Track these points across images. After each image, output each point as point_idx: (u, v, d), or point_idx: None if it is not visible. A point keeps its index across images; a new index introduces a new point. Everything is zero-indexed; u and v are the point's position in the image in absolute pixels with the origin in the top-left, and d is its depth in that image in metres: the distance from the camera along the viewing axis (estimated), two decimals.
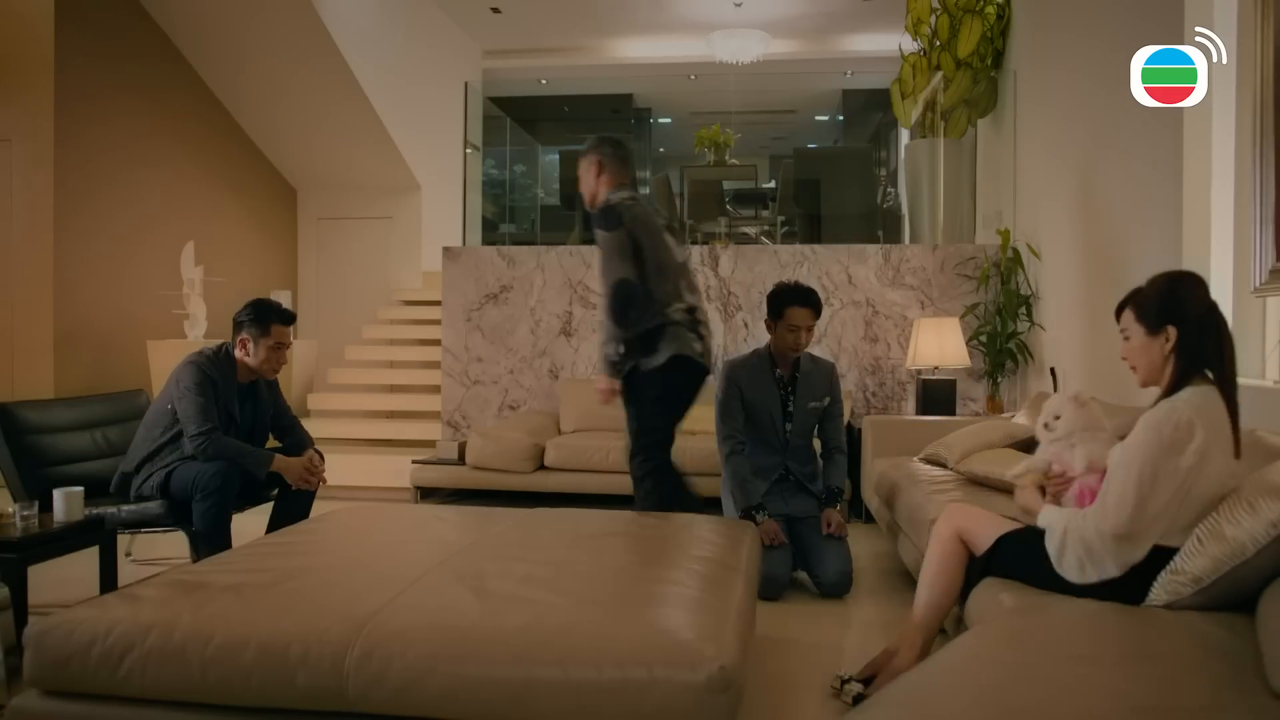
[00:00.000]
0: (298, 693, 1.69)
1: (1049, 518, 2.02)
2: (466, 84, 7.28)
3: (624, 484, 4.66)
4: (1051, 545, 1.96)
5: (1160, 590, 1.79)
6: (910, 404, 5.39)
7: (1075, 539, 1.91)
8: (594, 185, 3.34)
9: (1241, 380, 2.99)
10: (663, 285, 3.14)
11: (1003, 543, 2.09)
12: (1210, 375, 1.93)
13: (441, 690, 1.64)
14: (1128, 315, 2.08)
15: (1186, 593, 1.74)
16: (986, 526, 2.14)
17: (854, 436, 4.50)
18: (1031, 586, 2.00)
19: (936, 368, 4.88)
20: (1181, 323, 1.95)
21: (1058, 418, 2.17)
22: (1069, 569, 1.92)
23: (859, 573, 3.53)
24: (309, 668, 1.68)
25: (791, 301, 3.39)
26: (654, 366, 3.08)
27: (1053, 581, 1.96)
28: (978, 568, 2.15)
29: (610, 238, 3.11)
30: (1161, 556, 1.83)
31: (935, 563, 2.20)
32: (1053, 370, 4.60)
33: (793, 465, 3.50)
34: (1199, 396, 1.90)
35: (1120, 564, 1.86)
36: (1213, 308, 1.97)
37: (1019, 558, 2.04)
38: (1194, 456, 1.82)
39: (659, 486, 3.17)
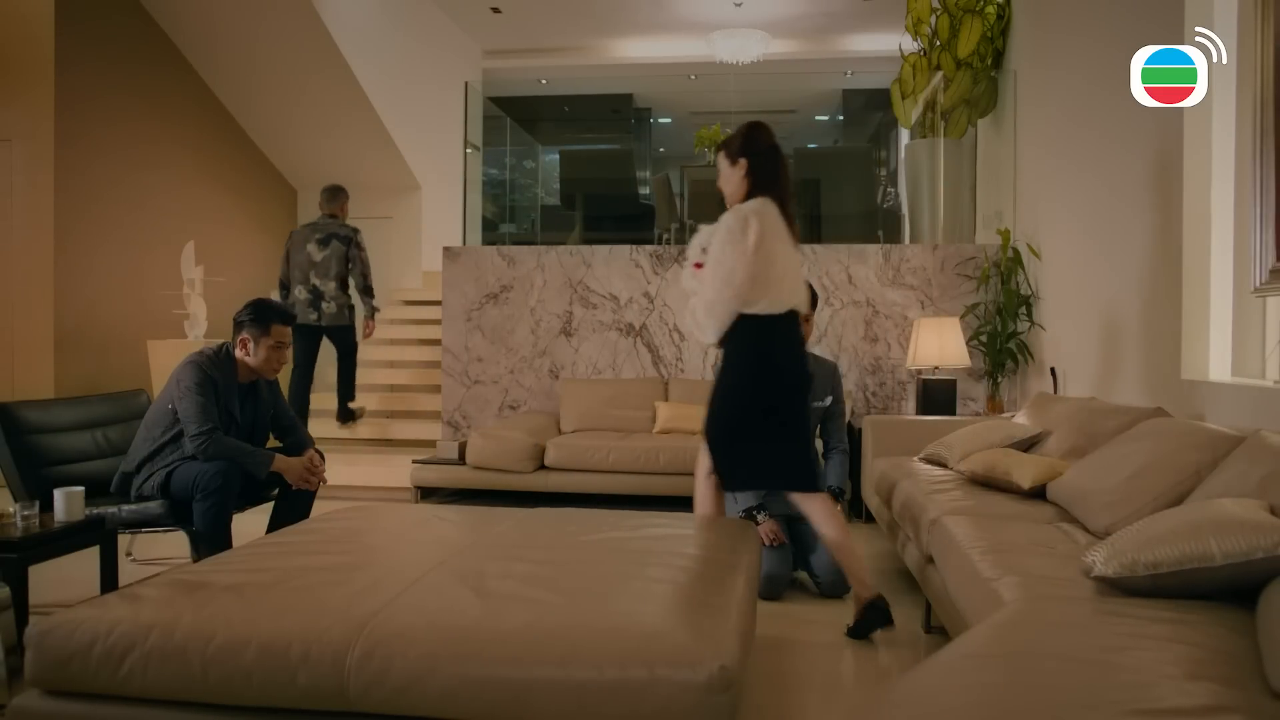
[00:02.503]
0: (299, 692, 1.69)
1: (690, 285, 2.86)
2: (466, 84, 7.28)
3: (625, 484, 4.69)
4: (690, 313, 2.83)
5: (1115, 563, 1.81)
6: (910, 404, 5.39)
7: (695, 305, 2.78)
8: None
9: (1242, 380, 3.01)
10: (295, 276, 5.53)
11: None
12: (771, 194, 2.77)
13: (442, 690, 1.64)
14: (721, 155, 2.87)
15: (1141, 574, 1.76)
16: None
17: (854, 436, 4.50)
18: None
19: (937, 368, 4.88)
20: (752, 155, 2.80)
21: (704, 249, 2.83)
22: (695, 328, 2.83)
23: None
24: (310, 667, 1.68)
25: None
26: None
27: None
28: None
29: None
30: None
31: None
32: (1053, 370, 4.60)
33: None
34: (758, 203, 2.74)
35: (718, 327, 2.74)
36: (775, 147, 2.84)
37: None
38: (754, 236, 2.66)
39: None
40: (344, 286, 5.55)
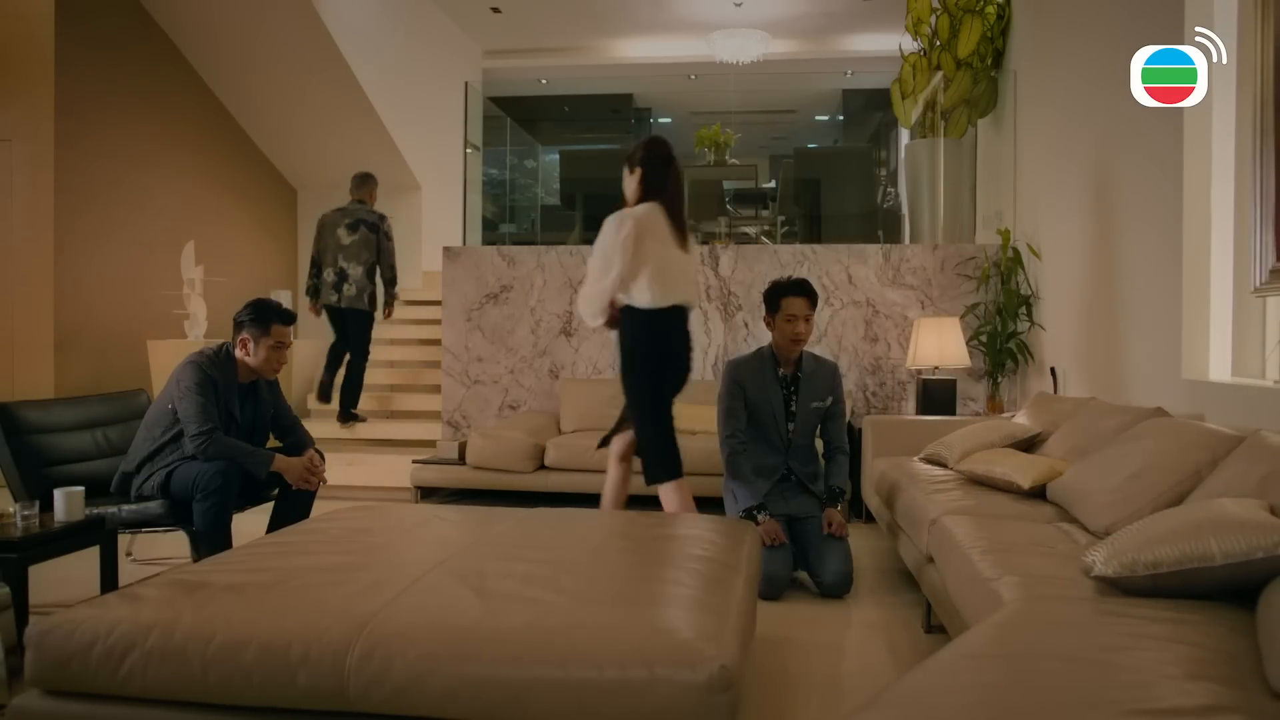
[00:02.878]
0: (299, 692, 1.69)
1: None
2: (466, 84, 7.28)
3: None
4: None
5: (1115, 563, 1.81)
6: (910, 404, 5.39)
7: (582, 293, 3.23)
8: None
9: (1242, 380, 3.01)
10: (326, 258, 5.79)
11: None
12: (660, 199, 3.20)
13: (442, 690, 1.64)
14: (625, 165, 3.28)
15: (1141, 573, 1.77)
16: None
17: (854, 436, 4.50)
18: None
19: (936, 367, 4.88)
20: (646, 165, 3.21)
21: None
22: (579, 310, 3.28)
23: (859, 573, 3.53)
24: (310, 667, 1.68)
25: (786, 292, 3.44)
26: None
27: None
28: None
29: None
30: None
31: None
32: (1053, 370, 4.60)
33: (795, 465, 3.50)
34: (643, 208, 3.18)
35: (593, 312, 3.17)
36: (667, 158, 3.25)
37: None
38: (629, 232, 3.08)
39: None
40: (370, 273, 5.83)
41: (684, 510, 3.15)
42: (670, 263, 3.14)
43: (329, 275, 5.80)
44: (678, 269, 3.17)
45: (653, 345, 3.17)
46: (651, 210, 3.16)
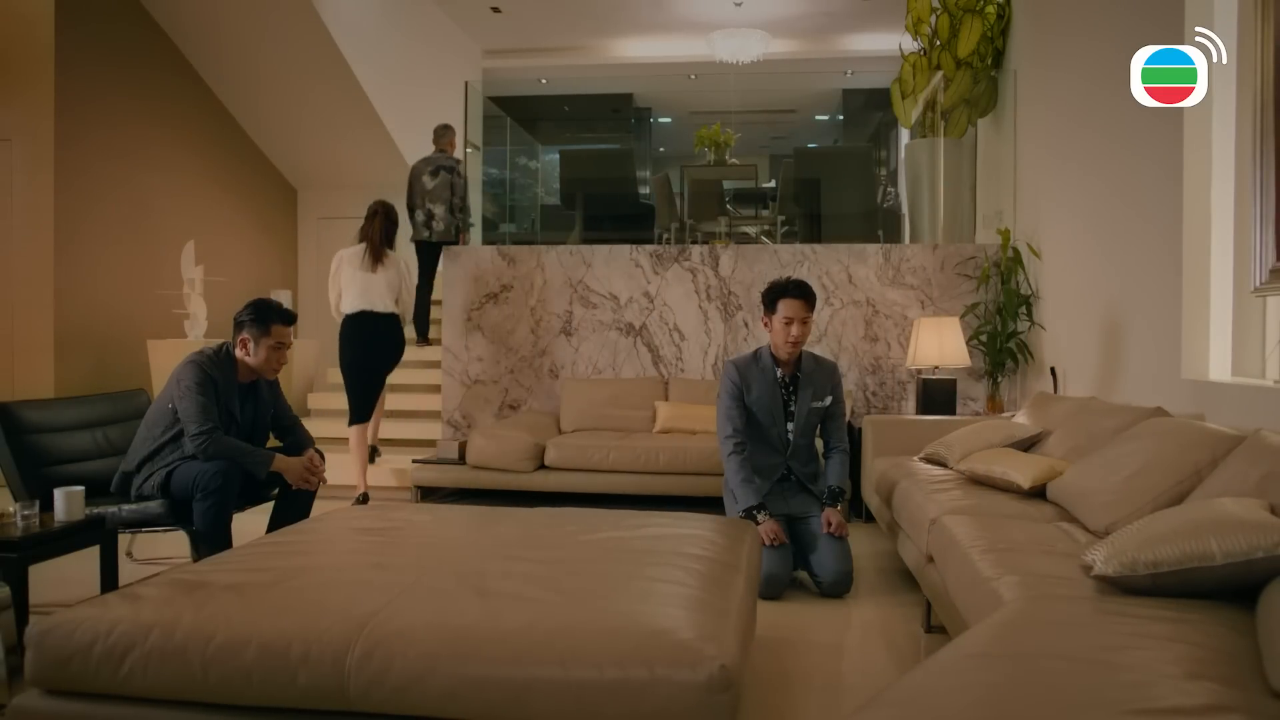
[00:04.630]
0: (299, 692, 1.69)
1: None
2: (466, 84, 7.28)
3: (625, 484, 4.69)
4: None
5: (1115, 562, 1.80)
6: (910, 403, 5.39)
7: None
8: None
9: (1242, 380, 3.01)
10: (415, 202, 6.35)
11: None
12: (366, 240, 4.95)
13: (442, 689, 1.65)
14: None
15: (1141, 573, 1.76)
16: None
17: (854, 436, 4.50)
18: None
19: (937, 367, 4.88)
20: (365, 219, 5.05)
21: None
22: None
23: (859, 572, 3.53)
24: (310, 667, 1.68)
25: (784, 293, 3.41)
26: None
27: None
28: None
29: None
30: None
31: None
32: (1053, 370, 4.60)
33: (794, 465, 3.50)
34: (353, 248, 4.94)
35: (334, 312, 4.92)
36: (375, 214, 5.00)
37: None
38: (336, 265, 4.92)
39: None
40: (452, 210, 6.44)
41: (355, 449, 4.88)
42: (362, 283, 4.83)
43: (419, 216, 6.37)
44: (366, 287, 4.83)
45: (346, 336, 4.90)
46: (357, 248, 4.92)
